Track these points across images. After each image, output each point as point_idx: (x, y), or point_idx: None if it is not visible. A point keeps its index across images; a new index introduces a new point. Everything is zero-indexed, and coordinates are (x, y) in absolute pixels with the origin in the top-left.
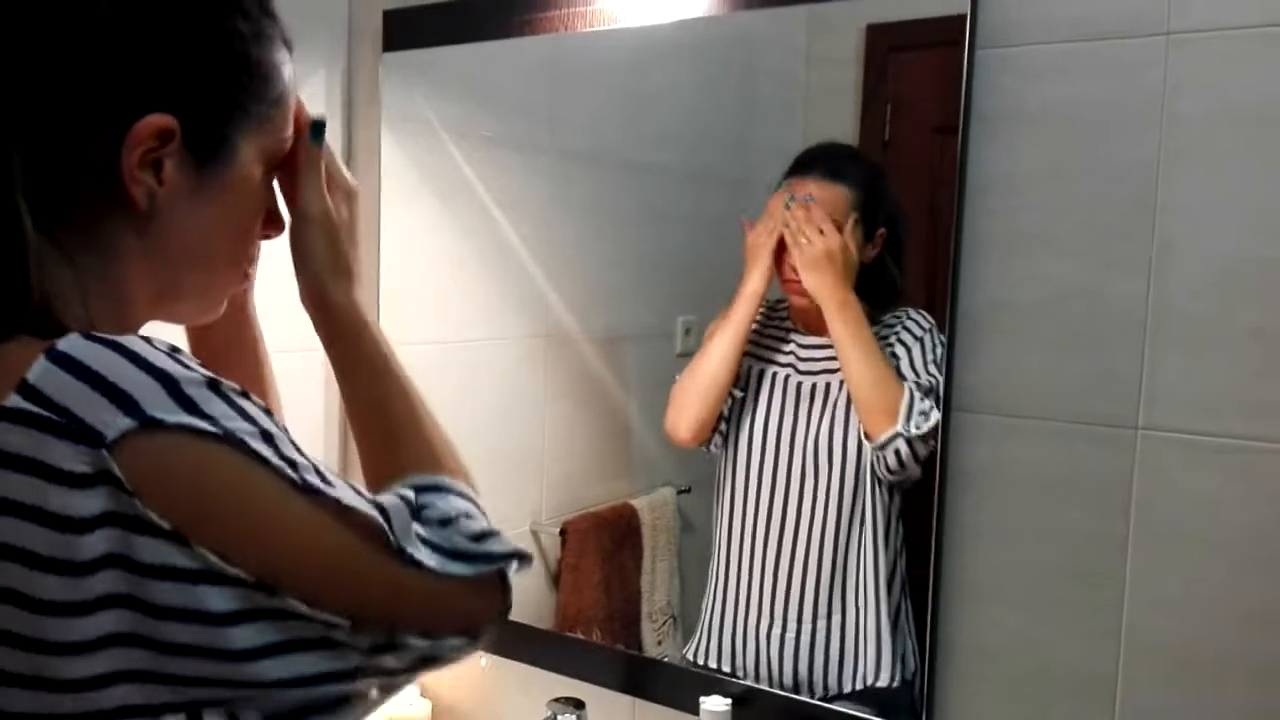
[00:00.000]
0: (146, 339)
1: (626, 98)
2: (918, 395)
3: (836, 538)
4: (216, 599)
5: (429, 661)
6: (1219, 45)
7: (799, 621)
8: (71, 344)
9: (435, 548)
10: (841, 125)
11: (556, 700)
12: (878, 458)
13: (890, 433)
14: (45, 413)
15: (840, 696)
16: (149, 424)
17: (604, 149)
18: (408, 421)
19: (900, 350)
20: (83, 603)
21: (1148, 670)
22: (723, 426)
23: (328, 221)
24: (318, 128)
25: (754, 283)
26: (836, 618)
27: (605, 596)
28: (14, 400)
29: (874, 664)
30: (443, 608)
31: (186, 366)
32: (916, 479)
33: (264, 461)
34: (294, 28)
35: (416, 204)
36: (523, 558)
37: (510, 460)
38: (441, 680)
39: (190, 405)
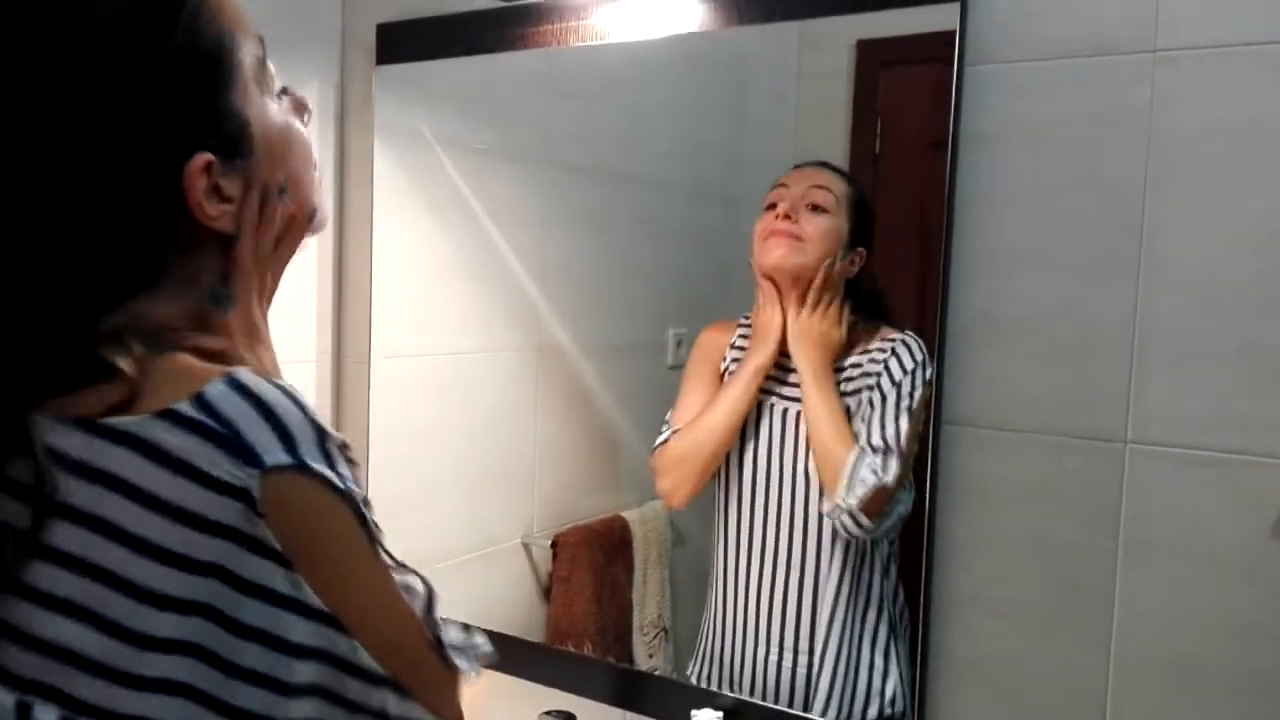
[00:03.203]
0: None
1: (618, 112)
2: (865, 460)
3: (819, 564)
4: (298, 629)
5: None
6: (1206, 63)
7: (782, 649)
8: (248, 377)
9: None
10: (831, 140)
11: (547, 713)
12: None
13: (829, 505)
14: (214, 425)
15: None
16: (300, 466)
17: (596, 162)
18: None
19: (876, 398)
20: (178, 599)
21: (1137, 683)
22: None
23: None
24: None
25: (760, 357)
26: (820, 646)
27: (596, 609)
28: (185, 408)
29: (863, 694)
30: (450, 696)
31: (326, 425)
32: (892, 534)
33: (365, 524)
34: (287, 39)
35: (409, 216)
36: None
37: (501, 472)
38: None
39: (330, 460)
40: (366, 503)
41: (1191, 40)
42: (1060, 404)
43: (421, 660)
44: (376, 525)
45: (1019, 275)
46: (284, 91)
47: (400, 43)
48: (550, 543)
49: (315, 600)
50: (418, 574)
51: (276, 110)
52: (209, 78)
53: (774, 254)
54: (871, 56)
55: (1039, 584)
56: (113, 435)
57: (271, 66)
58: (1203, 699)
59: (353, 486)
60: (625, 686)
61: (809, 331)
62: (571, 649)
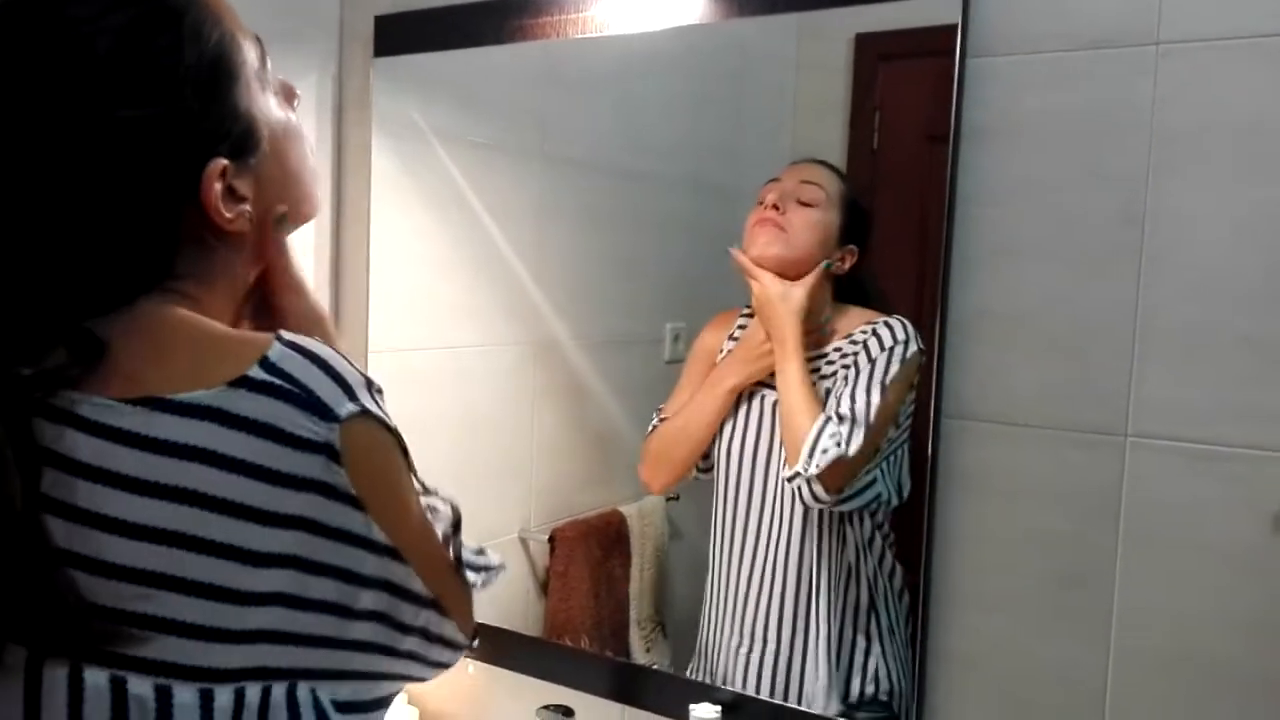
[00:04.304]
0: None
1: (617, 105)
2: (829, 429)
3: (802, 556)
4: (368, 564)
5: (437, 665)
6: (1208, 56)
7: (765, 641)
8: (293, 337)
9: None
10: (830, 134)
11: (545, 708)
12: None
13: (789, 472)
14: (288, 385)
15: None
16: (363, 411)
17: (594, 156)
18: None
19: (852, 373)
20: (268, 554)
21: (1137, 677)
22: (710, 452)
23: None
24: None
25: (735, 378)
26: (800, 638)
27: (594, 604)
28: (257, 372)
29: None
30: (467, 612)
31: (369, 375)
32: (852, 508)
33: (407, 456)
34: (285, 32)
35: (406, 209)
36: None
37: (499, 467)
38: (428, 688)
39: (378, 403)
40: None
41: (1194, 33)
42: (1060, 398)
43: (448, 579)
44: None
45: (1019, 269)
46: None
47: (398, 35)
48: (547, 537)
49: (382, 537)
50: (444, 496)
51: (276, 106)
52: (215, 83)
53: (758, 243)
54: (870, 49)
55: (1039, 578)
56: (188, 410)
57: (270, 64)
58: (1202, 693)
59: (396, 425)
60: (623, 681)
61: (785, 297)
62: (569, 643)
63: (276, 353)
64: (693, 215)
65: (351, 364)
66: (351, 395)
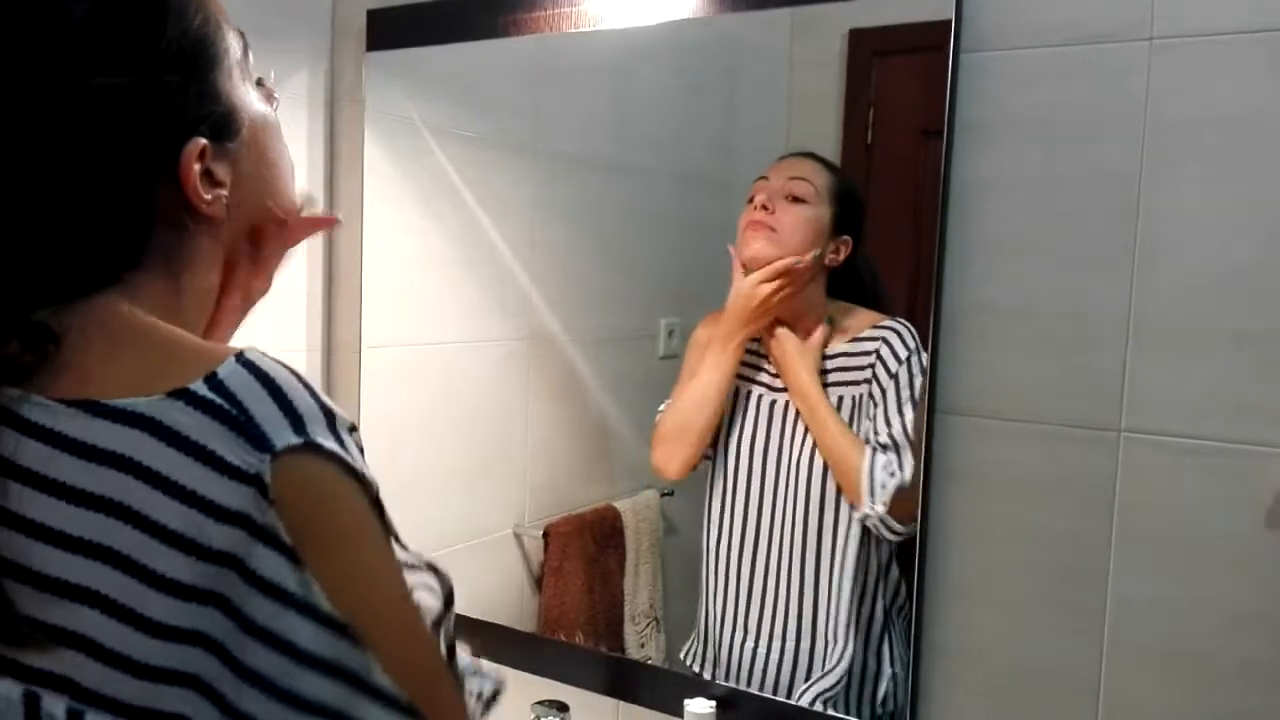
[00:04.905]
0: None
1: (610, 99)
2: (879, 461)
3: (804, 554)
4: (307, 635)
5: None
6: (1202, 51)
7: (771, 638)
8: (256, 355)
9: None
10: (824, 129)
11: (540, 703)
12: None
13: (861, 514)
14: (227, 406)
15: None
16: (309, 445)
17: (588, 150)
18: None
19: (876, 391)
20: (192, 588)
21: (1131, 671)
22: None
23: None
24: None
25: (733, 340)
26: (806, 632)
27: (588, 599)
28: (200, 387)
29: (857, 680)
30: (457, 714)
31: (335, 406)
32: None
33: (380, 511)
34: (277, 26)
35: (399, 204)
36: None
37: (493, 463)
38: None
39: (341, 440)
40: (379, 491)
41: (1188, 28)
42: (1055, 392)
43: (433, 681)
44: (389, 516)
45: (1013, 264)
46: (259, 83)
47: (391, 29)
48: (542, 533)
49: (325, 604)
50: (434, 568)
51: (257, 98)
52: (197, 62)
53: (750, 246)
54: (864, 45)
55: (1033, 573)
56: (122, 416)
57: (251, 59)
58: (1196, 687)
59: (367, 470)
60: (618, 676)
61: (789, 346)
62: (563, 638)
63: (227, 369)
64: (687, 211)
65: (316, 395)
66: (298, 426)
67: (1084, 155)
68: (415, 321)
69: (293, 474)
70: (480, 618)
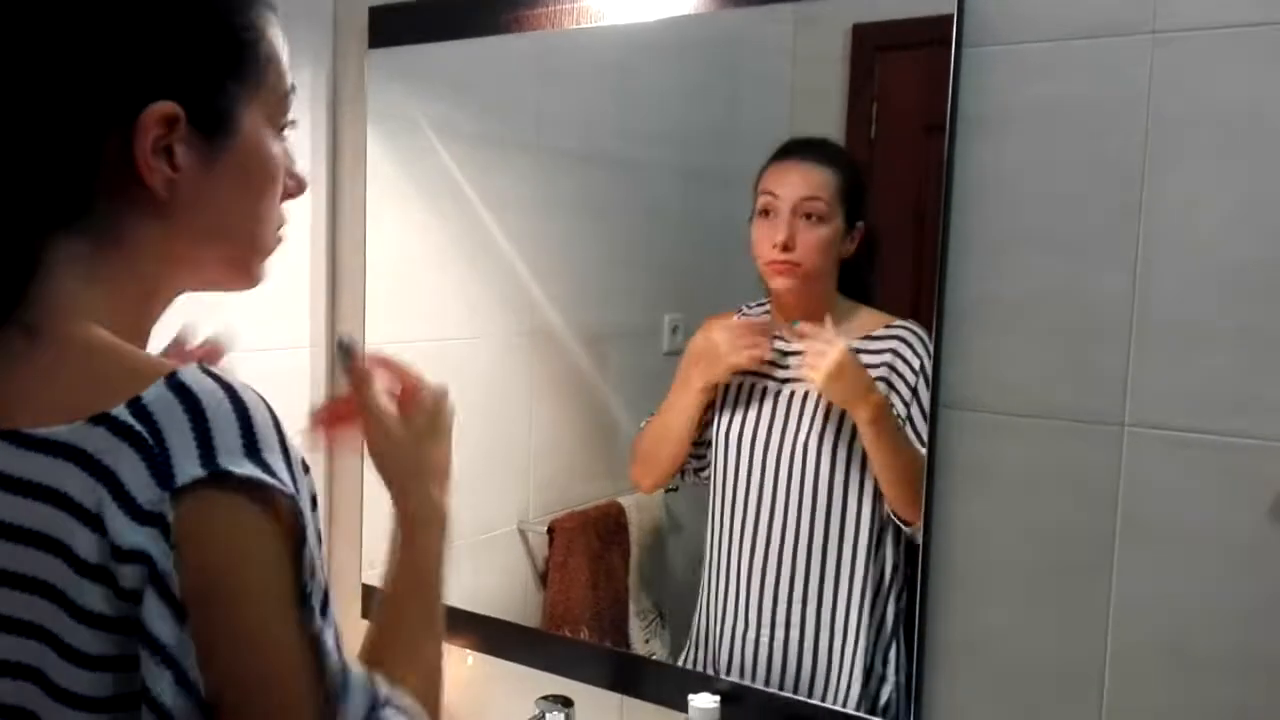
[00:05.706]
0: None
1: (613, 96)
2: None
3: (811, 546)
4: (169, 696)
5: None
6: (1204, 44)
7: (772, 627)
8: (190, 374)
9: None
10: (827, 124)
11: (545, 698)
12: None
13: (911, 531)
14: (145, 434)
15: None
16: (216, 477)
17: (591, 147)
18: (423, 646)
19: (896, 401)
20: (115, 619)
21: (1135, 666)
22: (708, 438)
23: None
24: (342, 350)
25: (703, 379)
26: (811, 627)
27: (593, 595)
28: (122, 412)
29: (861, 676)
30: None
31: (270, 425)
32: None
33: (297, 558)
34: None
35: (402, 202)
36: None
37: (497, 459)
38: None
39: (266, 465)
40: (316, 534)
41: (1190, 21)
42: (1058, 387)
43: None
44: (313, 552)
45: (1017, 258)
46: (280, 129)
47: (393, 26)
48: (546, 529)
49: (194, 670)
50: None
51: (270, 136)
52: (215, 53)
53: (778, 283)
54: (867, 40)
55: (1036, 567)
56: (46, 446)
57: (291, 113)
58: (1199, 681)
59: (296, 500)
60: (622, 671)
61: (837, 366)
62: (568, 634)
63: (153, 392)
64: (690, 207)
65: (252, 415)
66: (208, 455)
67: (1087, 149)
68: (418, 319)
69: (194, 514)
70: (485, 613)
